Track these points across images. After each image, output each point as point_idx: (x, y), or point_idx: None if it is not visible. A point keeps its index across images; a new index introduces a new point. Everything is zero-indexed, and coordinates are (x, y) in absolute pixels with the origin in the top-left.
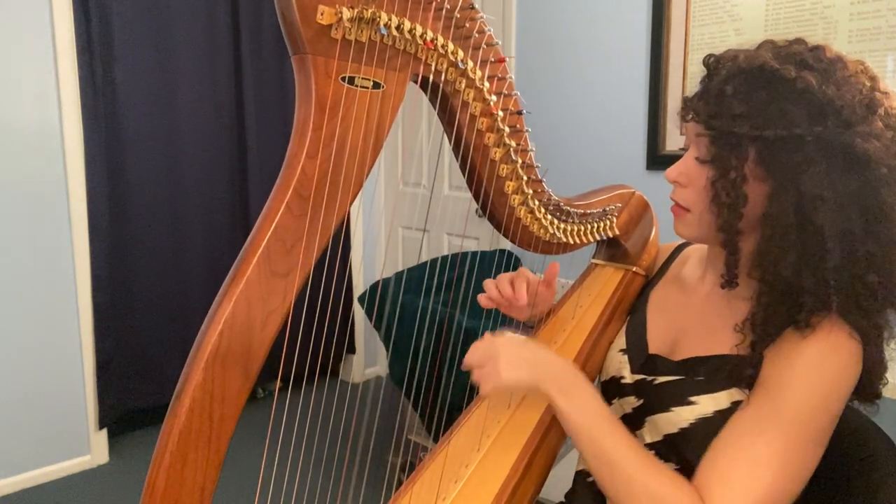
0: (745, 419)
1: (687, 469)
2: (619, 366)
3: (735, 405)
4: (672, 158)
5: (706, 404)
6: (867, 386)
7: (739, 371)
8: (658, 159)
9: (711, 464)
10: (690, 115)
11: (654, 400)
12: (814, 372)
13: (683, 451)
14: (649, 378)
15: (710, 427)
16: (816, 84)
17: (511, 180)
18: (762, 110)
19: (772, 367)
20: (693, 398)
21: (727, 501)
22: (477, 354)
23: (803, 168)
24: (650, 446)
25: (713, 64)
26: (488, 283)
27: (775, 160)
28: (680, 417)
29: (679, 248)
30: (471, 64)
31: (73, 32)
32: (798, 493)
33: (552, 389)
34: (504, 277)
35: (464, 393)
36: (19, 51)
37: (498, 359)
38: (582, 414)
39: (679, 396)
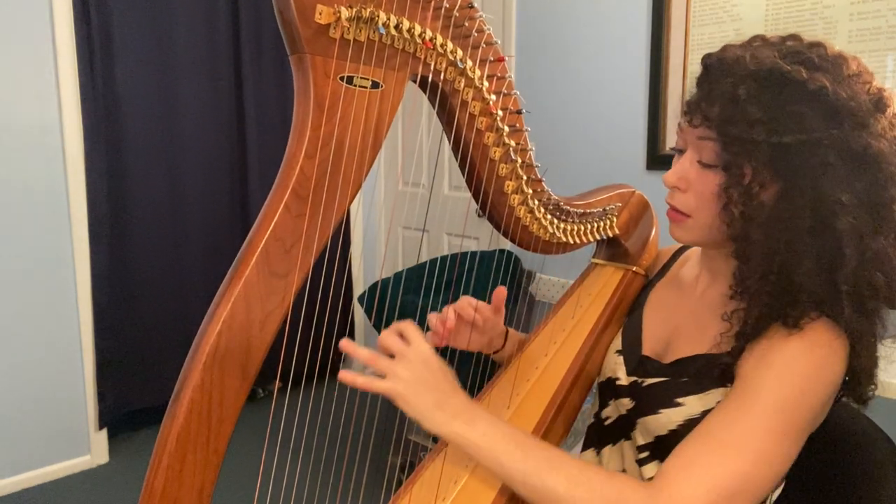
0: (720, 410)
1: None
2: (615, 367)
3: None
4: (673, 158)
5: (693, 405)
6: (858, 385)
7: (723, 369)
8: (658, 159)
9: (680, 449)
10: (699, 120)
11: (644, 402)
12: (791, 367)
13: None
14: (640, 380)
15: None
16: (830, 85)
17: (510, 180)
18: (777, 115)
19: (751, 362)
20: (680, 399)
21: (687, 484)
22: (397, 344)
23: (820, 172)
24: (642, 448)
25: (715, 65)
26: (436, 319)
27: (789, 164)
28: (668, 419)
29: (680, 251)
30: (470, 63)
31: (73, 32)
32: (766, 488)
33: (459, 422)
34: (447, 310)
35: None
36: (19, 51)
37: (409, 367)
38: (493, 440)
39: (666, 398)
